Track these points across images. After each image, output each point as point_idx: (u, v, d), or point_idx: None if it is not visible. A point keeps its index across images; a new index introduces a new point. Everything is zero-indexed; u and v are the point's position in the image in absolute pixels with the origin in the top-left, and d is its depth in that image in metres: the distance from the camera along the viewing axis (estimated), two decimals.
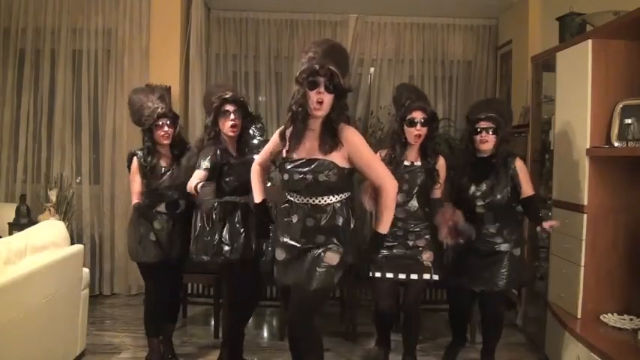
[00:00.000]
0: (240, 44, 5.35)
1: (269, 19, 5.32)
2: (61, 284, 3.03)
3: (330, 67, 2.29)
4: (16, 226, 4.18)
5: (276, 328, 4.09)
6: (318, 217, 2.39)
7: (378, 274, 3.02)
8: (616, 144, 3.01)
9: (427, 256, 3.00)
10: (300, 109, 2.34)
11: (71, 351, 3.25)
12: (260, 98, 5.46)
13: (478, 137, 3.01)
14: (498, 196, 3.00)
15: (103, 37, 4.74)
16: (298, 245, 2.42)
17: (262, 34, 5.33)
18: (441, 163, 3.07)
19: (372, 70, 5.43)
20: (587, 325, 3.01)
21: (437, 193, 3.09)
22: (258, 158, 2.74)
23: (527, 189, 3.03)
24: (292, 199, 2.45)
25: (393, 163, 2.97)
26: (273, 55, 5.33)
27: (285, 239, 2.46)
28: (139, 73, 4.65)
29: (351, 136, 2.36)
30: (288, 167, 2.40)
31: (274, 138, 2.57)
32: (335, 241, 2.40)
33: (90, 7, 4.70)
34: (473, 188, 3.04)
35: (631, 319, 2.99)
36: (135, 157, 3.16)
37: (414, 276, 3.00)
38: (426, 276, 3.00)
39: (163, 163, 3.17)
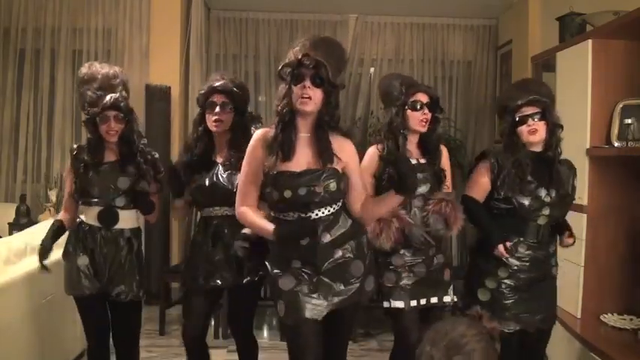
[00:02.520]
0: (240, 44, 5.34)
1: (269, 19, 5.32)
2: (61, 284, 3.02)
3: (317, 57, 1.96)
4: (16, 226, 4.18)
5: (277, 328, 4.09)
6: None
7: (400, 304, 2.41)
8: (616, 144, 3.01)
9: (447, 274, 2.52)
10: (285, 109, 2.00)
11: (71, 351, 3.25)
12: (260, 98, 5.45)
13: (525, 128, 2.36)
14: (567, 202, 2.43)
15: (103, 37, 4.75)
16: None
17: (262, 34, 5.32)
18: (445, 156, 2.59)
19: (372, 70, 5.43)
20: (587, 325, 3.00)
21: (447, 189, 2.56)
22: (239, 200, 2.12)
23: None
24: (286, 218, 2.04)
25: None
26: (273, 56, 5.31)
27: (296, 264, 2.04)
28: (139, 73, 4.64)
29: (349, 148, 2.09)
30: (288, 181, 1.98)
31: (253, 154, 2.07)
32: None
33: (90, 7, 4.71)
34: (537, 195, 2.36)
35: (631, 319, 2.99)
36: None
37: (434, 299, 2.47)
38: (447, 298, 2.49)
39: (109, 158, 2.50)
